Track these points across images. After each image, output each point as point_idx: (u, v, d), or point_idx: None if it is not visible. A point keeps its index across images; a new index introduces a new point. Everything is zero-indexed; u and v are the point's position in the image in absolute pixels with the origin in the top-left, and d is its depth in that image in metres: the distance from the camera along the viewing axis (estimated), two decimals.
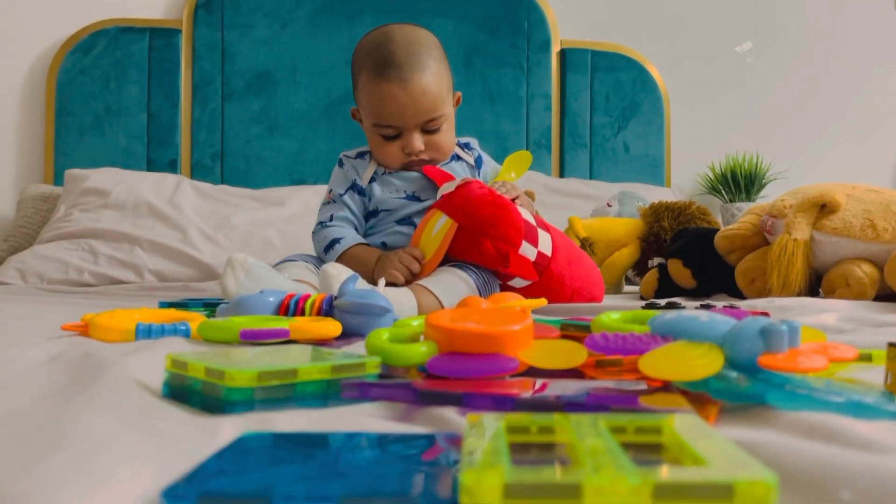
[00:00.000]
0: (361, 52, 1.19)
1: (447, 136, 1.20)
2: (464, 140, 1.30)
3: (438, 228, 1.05)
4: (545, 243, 1.10)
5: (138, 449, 0.32)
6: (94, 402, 0.40)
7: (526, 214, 1.09)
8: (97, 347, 0.59)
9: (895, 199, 1.21)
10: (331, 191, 1.24)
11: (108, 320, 0.70)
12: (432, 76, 1.14)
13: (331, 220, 1.20)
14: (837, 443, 0.33)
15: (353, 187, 1.22)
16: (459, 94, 1.26)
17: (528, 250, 1.06)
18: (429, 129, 1.17)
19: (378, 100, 1.14)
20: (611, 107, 2.39)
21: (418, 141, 1.16)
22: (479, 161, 1.28)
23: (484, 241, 1.04)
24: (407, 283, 1.09)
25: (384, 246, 1.17)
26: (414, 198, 1.19)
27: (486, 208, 1.03)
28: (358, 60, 1.19)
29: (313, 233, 1.21)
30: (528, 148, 2.33)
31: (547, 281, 1.11)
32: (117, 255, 1.71)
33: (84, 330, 0.72)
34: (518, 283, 1.11)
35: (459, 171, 1.22)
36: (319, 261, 1.14)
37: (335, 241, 1.15)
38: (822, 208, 1.22)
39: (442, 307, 0.99)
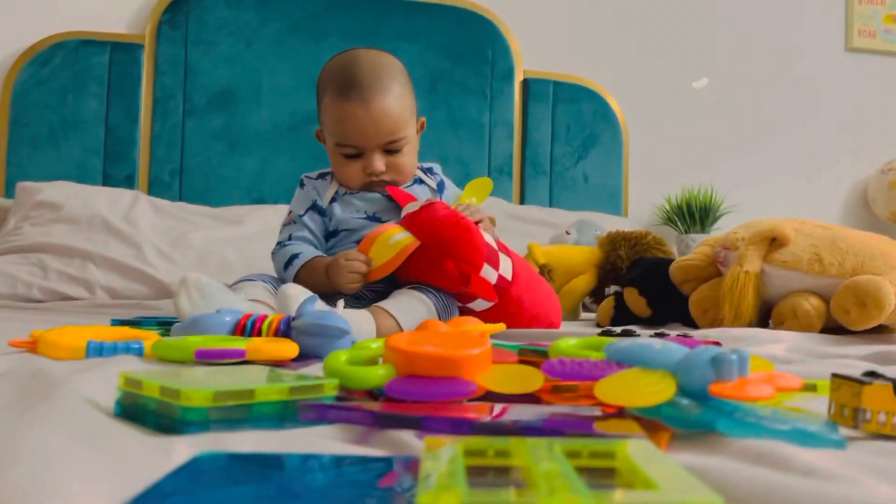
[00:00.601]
0: (326, 73, 1.21)
1: (409, 158, 1.21)
2: (427, 165, 1.31)
3: (397, 240, 1.05)
4: (506, 267, 1.11)
5: (91, 468, 0.32)
6: (44, 420, 0.39)
7: (488, 238, 1.10)
8: (46, 365, 0.58)
9: (841, 235, 1.25)
10: (291, 212, 1.25)
11: (58, 337, 0.68)
12: (395, 99, 1.16)
13: (289, 239, 1.20)
14: (782, 469, 0.34)
15: (314, 207, 1.22)
16: (423, 119, 1.28)
17: (489, 273, 1.07)
18: (390, 150, 1.18)
19: (340, 120, 1.15)
20: (571, 137, 2.44)
21: (379, 162, 1.17)
22: (441, 186, 1.29)
23: (446, 261, 1.05)
24: (363, 300, 1.10)
25: None
26: (375, 218, 1.19)
27: (450, 229, 1.04)
28: (323, 81, 1.21)
29: (273, 253, 1.21)
30: (489, 174, 2.35)
31: (506, 305, 1.11)
32: (68, 271, 1.67)
33: (33, 347, 0.70)
34: (478, 305, 1.12)
35: (421, 195, 1.23)
36: (278, 281, 1.13)
37: (294, 257, 1.16)
38: (773, 242, 1.25)
39: (401, 329, 0.99)
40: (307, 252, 1.17)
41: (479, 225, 1.10)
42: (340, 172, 1.21)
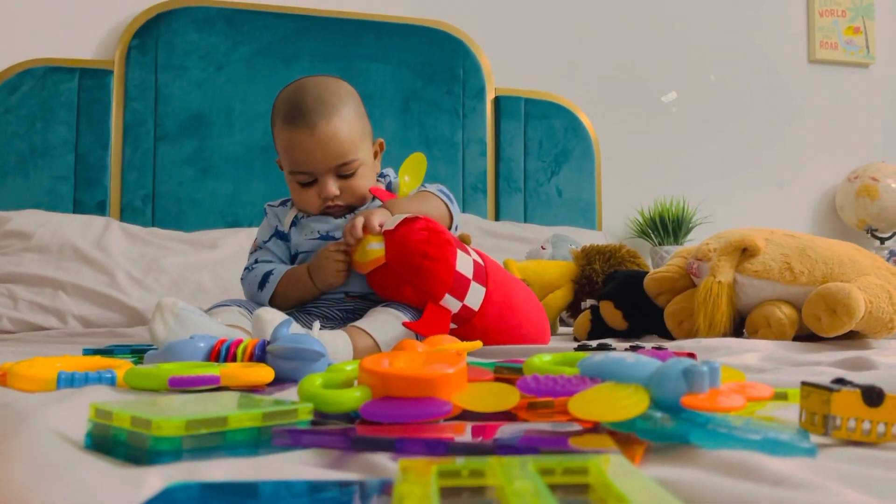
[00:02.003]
0: (276, 103, 1.21)
1: (364, 181, 1.20)
2: (382, 171, 1.31)
3: (372, 248, 1.07)
4: (474, 298, 1.10)
5: (58, 502, 0.31)
6: (11, 454, 0.38)
7: (465, 266, 1.09)
8: (15, 398, 0.57)
9: (810, 243, 1.27)
10: (256, 239, 1.27)
11: (28, 369, 0.67)
12: (342, 122, 1.15)
13: (255, 262, 1.22)
14: (754, 479, 0.34)
15: (276, 234, 1.24)
16: (381, 140, 1.27)
17: (450, 303, 1.07)
18: (343, 174, 1.17)
19: (289, 147, 1.16)
20: (544, 153, 2.46)
21: (332, 186, 1.16)
22: (388, 187, 1.28)
23: (405, 286, 1.06)
24: (338, 321, 1.09)
25: None
26: (329, 237, 1.19)
27: (414, 258, 1.04)
28: (273, 112, 1.21)
29: (242, 279, 1.22)
30: (464, 192, 2.36)
31: (470, 330, 1.11)
32: (39, 300, 1.64)
33: (2, 379, 0.69)
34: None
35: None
36: (254, 305, 1.13)
37: (268, 274, 1.17)
38: (744, 252, 1.27)
39: (378, 348, 0.99)
40: (280, 267, 1.18)
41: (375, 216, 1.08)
42: (298, 200, 1.21)
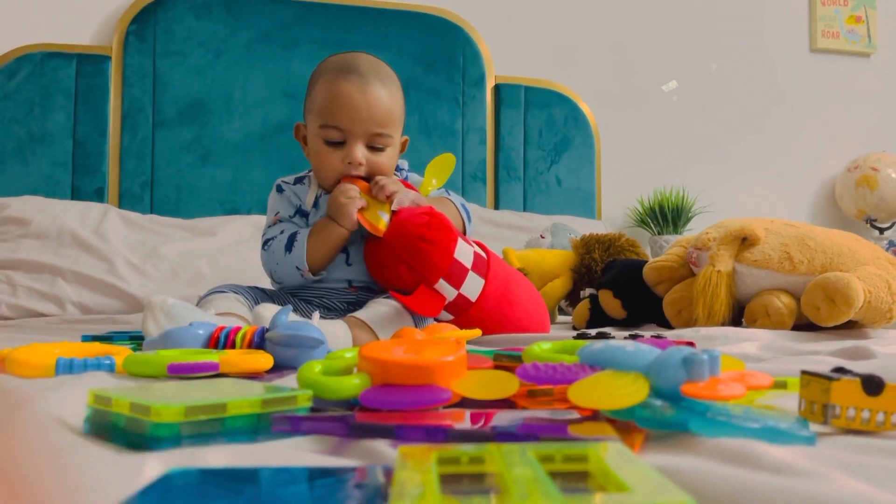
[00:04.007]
0: (325, 64, 1.18)
1: (389, 161, 1.16)
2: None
3: (379, 217, 1.09)
4: (472, 288, 1.10)
5: (58, 488, 0.31)
6: (10, 440, 0.38)
7: (465, 256, 1.09)
8: (14, 384, 0.57)
9: (810, 233, 1.27)
10: (277, 213, 1.19)
11: (27, 355, 0.67)
12: (390, 94, 1.15)
13: (281, 233, 1.15)
14: (753, 467, 0.34)
15: (299, 212, 1.18)
16: (407, 138, 1.24)
17: (446, 289, 1.07)
18: (374, 144, 1.13)
19: (333, 97, 1.11)
20: (543, 141, 2.45)
21: (360, 152, 1.12)
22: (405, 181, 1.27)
23: (401, 265, 1.06)
24: (338, 311, 1.09)
25: (319, 280, 1.15)
26: None
27: (412, 240, 1.04)
28: (318, 72, 1.17)
29: (263, 250, 1.16)
30: (463, 180, 2.36)
31: (465, 320, 1.11)
32: (37, 287, 1.64)
33: (0, 365, 0.68)
34: (440, 317, 1.12)
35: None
36: (250, 291, 1.12)
37: (294, 234, 1.12)
38: (744, 241, 1.27)
39: (377, 338, 0.98)
40: (303, 230, 1.13)
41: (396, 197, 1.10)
42: (318, 162, 1.15)
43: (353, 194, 1.09)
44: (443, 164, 1.23)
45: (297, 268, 1.10)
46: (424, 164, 1.26)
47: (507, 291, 1.16)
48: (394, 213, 1.09)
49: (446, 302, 1.08)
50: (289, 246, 1.11)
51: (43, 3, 2.13)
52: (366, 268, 1.13)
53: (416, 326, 1.04)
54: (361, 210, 1.09)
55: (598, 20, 2.61)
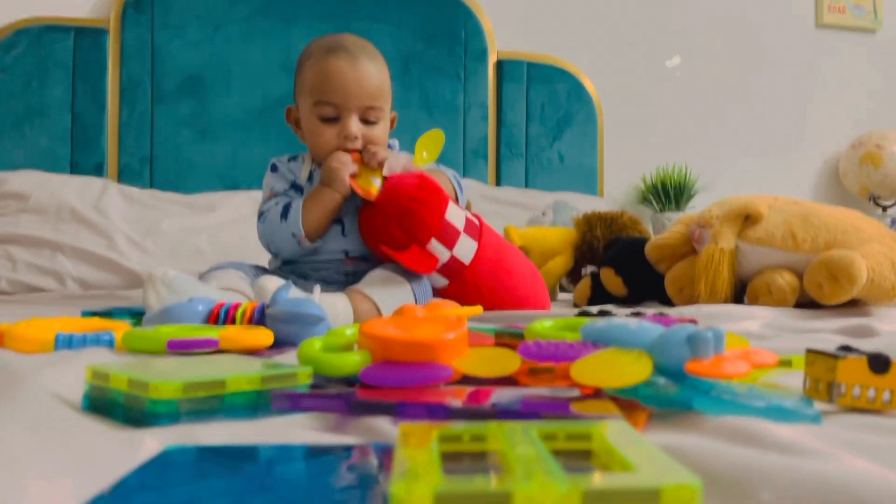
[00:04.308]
0: (311, 46, 1.20)
1: (382, 134, 1.18)
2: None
3: (371, 181, 1.11)
4: (465, 250, 1.12)
5: (54, 464, 0.31)
6: (6, 416, 0.38)
7: (456, 218, 1.11)
8: (12, 359, 0.57)
9: (813, 210, 1.26)
10: (272, 188, 1.20)
11: (26, 330, 0.67)
12: (378, 68, 1.17)
13: (276, 205, 1.16)
14: (758, 446, 0.34)
15: (294, 187, 1.19)
16: (396, 114, 1.26)
17: (438, 250, 1.09)
18: (367, 118, 1.15)
19: (325, 75, 1.13)
20: (546, 117, 2.43)
21: (355, 125, 1.14)
22: None
23: (393, 226, 1.07)
24: (338, 284, 1.10)
25: (315, 252, 1.15)
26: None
27: (402, 201, 1.07)
28: (305, 54, 1.19)
29: (259, 222, 1.16)
30: (464, 156, 2.34)
31: (460, 285, 1.13)
32: (37, 262, 1.64)
33: None
34: (436, 283, 1.14)
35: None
36: (251, 268, 1.12)
37: (288, 203, 1.13)
38: (746, 219, 1.26)
39: (378, 310, 0.99)
40: (296, 199, 1.14)
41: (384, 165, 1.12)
42: (314, 139, 1.16)
43: (345, 160, 1.11)
44: (432, 140, 1.24)
45: (293, 234, 1.11)
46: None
47: (501, 258, 1.17)
48: (385, 178, 1.11)
49: (439, 263, 1.09)
50: (284, 214, 1.12)
51: None
52: (361, 238, 1.14)
53: (414, 296, 1.05)
54: (354, 177, 1.11)
55: None
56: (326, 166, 1.12)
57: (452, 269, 1.11)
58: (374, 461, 0.32)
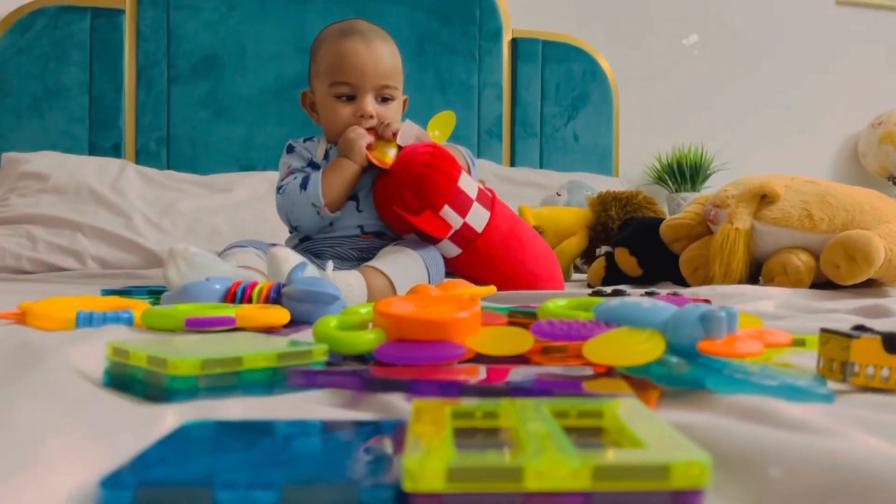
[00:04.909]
0: (324, 32, 1.23)
1: (396, 113, 1.22)
2: None
3: (386, 152, 1.14)
4: (477, 218, 1.14)
5: (76, 437, 0.31)
6: (29, 391, 0.39)
7: (469, 187, 1.13)
8: (35, 336, 0.58)
9: (831, 190, 1.25)
10: (289, 166, 1.22)
11: (47, 308, 0.68)
12: (391, 50, 1.21)
13: (294, 178, 1.18)
14: (771, 424, 0.34)
15: (311, 165, 1.22)
16: (406, 98, 1.28)
17: (451, 216, 1.11)
18: (382, 96, 1.19)
19: (340, 56, 1.17)
20: (561, 97, 2.41)
21: (371, 103, 1.17)
22: None
23: (406, 192, 1.10)
24: (351, 261, 1.12)
25: (330, 224, 1.17)
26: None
27: (416, 167, 1.10)
28: (319, 39, 1.23)
29: (279, 194, 1.18)
30: (479, 136, 2.33)
31: (473, 254, 1.15)
32: (57, 242, 1.66)
33: (21, 318, 0.69)
34: (448, 252, 1.15)
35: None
36: (269, 247, 1.13)
37: (307, 176, 1.15)
38: (763, 199, 1.25)
39: (392, 286, 1.00)
40: (315, 173, 1.16)
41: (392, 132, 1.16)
42: (330, 119, 1.20)
43: (360, 131, 1.14)
44: (444, 120, 1.27)
45: (313, 205, 1.13)
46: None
47: (513, 230, 1.19)
48: (400, 149, 1.14)
49: (452, 230, 1.11)
50: (304, 184, 1.14)
51: None
52: (376, 214, 1.17)
53: (427, 271, 1.07)
54: (370, 148, 1.14)
55: None
56: (344, 137, 1.15)
57: (465, 236, 1.13)
58: (387, 436, 0.32)
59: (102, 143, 2.05)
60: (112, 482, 0.25)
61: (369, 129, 1.17)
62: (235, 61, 2.15)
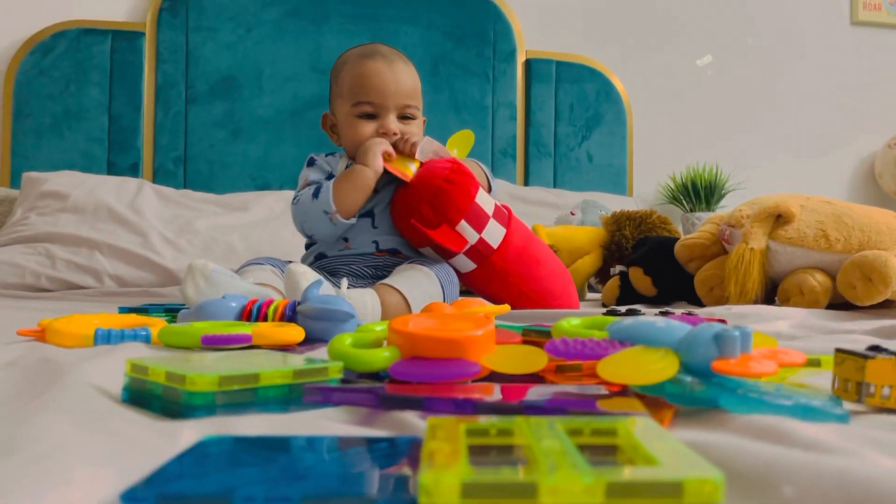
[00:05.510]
0: (345, 55, 1.26)
1: (418, 131, 1.23)
2: None
3: (407, 165, 1.16)
4: (493, 234, 1.15)
5: (96, 452, 0.32)
6: (51, 407, 0.39)
7: (486, 203, 1.14)
8: (55, 353, 0.59)
9: (847, 210, 1.24)
10: (307, 178, 1.22)
11: (66, 325, 0.69)
12: (411, 71, 1.23)
13: (309, 188, 1.18)
14: (785, 444, 0.34)
15: (330, 177, 1.21)
16: (425, 118, 1.30)
17: (467, 231, 1.12)
18: (404, 114, 1.21)
19: (362, 76, 1.19)
20: (575, 117, 2.42)
21: (394, 123, 1.19)
22: None
23: (425, 205, 1.11)
24: (366, 278, 1.14)
25: (345, 240, 1.17)
26: (377, 190, 1.17)
27: (435, 181, 1.11)
28: (341, 62, 1.25)
29: (293, 205, 1.19)
30: (493, 156, 2.35)
31: (488, 270, 1.16)
32: (76, 260, 1.67)
33: (41, 335, 0.70)
34: (462, 266, 1.16)
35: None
36: (285, 264, 1.13)
37: (319, 185, 1.15)
38: (778, 219, 1.25)
39: (407, 303, 1.00)
40: (327, 180, 1.17)
41: (415, 147, 1.17)
42: (353, 136, 1.20)
43: (379, 140, 1.16)
44: (462, 139, 1.29)
45: (324, 212, 1.13)
46: None
47: (529, 247, 1.19)
48: (421, 164, 1.16)
49: (468, 245, 1.12)
50: (316, 193, 1.15)
51: None
52: (391, 230, 1.18)
53: (442, 288, 1.07)
54: (389, 160, 1.15)
55: None
56: (362, 146, 1.16)
57: (480, 252, 1.14)
58: (403, 453, 0.33)
59: (121, 162, 2.08)
60: (132, 496, 0.26)
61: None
62: (252, 82, 2.18)
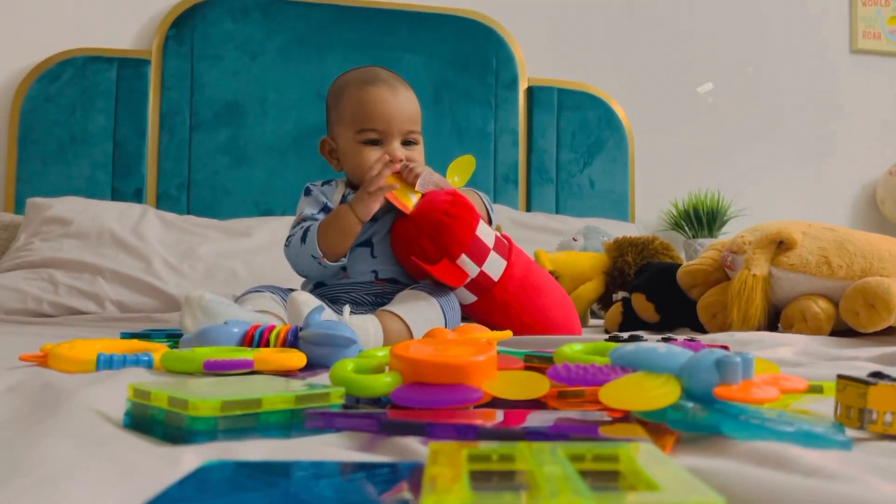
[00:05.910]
0: (343, 78, 1.25)
1: (420, 157, 1.23)
2: None
3: (409, 197, 1.15)
4: (494, 267, 1.14)
5: (99, 477, 0.32)
6: (53, 432, 0.39)
7: (486, 236, 1.14)
8: (57, 378, 0.59)
9: (849, 237, 1.24)
10: (301, 212, 1.23)
11: (69, 350, 0.69)
12: (412, 97, 1.23)
13: (300, 229, 1.19)
14: (786, 470, 0.34)
15: (325, 209, 1.22)
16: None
17: (468, 265, 1.11)
18: (408, 140, 1.20)
19: (367, 103, 1.18)
20: (577, 143, 2.44)
21: (399, 149, 1.18)
22: None
23: (425, 239, 1.10)
24: (368, 305, 1.13)
25: (343, 269, 1.18)
26: (375, 219, 1.17)
27: (435, 214, 1.10)
28: (340, 86, 1.23)
29: (286, 247, 1.19)
30: (495, 183, 2.36)
31: (489, 302, 1.15)
32: (78, 285, 1.68)
33: (43, 360, 0.70)
34: (465, 299, 1.15)
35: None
36: (286, 292, 1.14)
37: (307, 229, 1.15)
38: (780, 245, 1.25)
39: (409, 330, 1.00)
40: (316, 220, 1.17)
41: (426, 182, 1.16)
42: (358, 162, 1.18)
43: (382, 183, 1.12)
44: (464, 165, 1.28)
45: (312, 256, 1.13)
46: None
47: (530, 277, 1.19)
48: (423, 196, 1.15)
49: (468, 278, 1.12)
50: (304, 237, 1.15)
51: (86, 8, 2.18)
52: (390, 260, 1.18)
53: (444, 314, 1.07)
54: (392, 191, 1.14)
55: (633, 22, 2.59)
56: (368, 181, 1.13)
57: (481, 285, 1.13)
58: (404, 479, 0.33)
59: (125, 188, 2.10)
60: None
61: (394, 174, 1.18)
62: (256, 109, 2.20)
